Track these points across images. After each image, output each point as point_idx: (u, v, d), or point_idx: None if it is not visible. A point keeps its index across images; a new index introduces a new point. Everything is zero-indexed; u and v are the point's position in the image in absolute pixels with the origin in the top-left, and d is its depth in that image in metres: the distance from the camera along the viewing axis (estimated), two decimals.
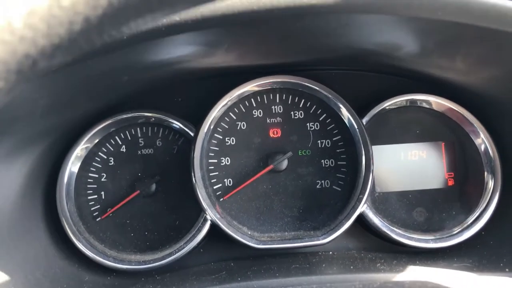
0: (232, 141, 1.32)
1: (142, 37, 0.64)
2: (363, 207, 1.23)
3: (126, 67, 0.89)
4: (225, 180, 1.31)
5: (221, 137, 1.31)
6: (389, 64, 1.20)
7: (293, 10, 0.66)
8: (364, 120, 1.28)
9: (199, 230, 1.22)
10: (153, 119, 1.28)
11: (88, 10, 0.34)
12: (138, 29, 0.41)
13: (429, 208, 1.32)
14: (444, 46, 0.94)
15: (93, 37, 0.37)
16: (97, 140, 1.27)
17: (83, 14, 0.35)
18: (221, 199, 1.29)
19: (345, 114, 1.27)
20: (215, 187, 1.30)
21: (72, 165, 1.24)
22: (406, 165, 1.35)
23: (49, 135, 1.13)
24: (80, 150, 1.24)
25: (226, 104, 1.27)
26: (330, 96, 1.27)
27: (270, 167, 1.28)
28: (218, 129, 1.31)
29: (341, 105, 1.27)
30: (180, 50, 0.87)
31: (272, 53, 1.08)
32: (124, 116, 1.25)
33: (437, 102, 1.30)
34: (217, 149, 1.31)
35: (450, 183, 1.34)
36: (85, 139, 1.24)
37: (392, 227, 1.24)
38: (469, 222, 1.26)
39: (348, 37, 0.93)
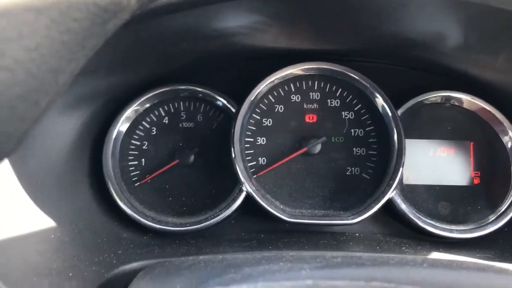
0: (269, 122, 1.38)
1: None
2: (392, 193, 1.28)
3: (189, 32, 0.96)
4: (259, 158, 1.37)
5: (258, 118, 1.38)
6: (428, 59, 1.26)
7: None
8: (399, 112, 1.34)
9: (234, 200, 1.28)
10: (201, 94, 1.36)
11: None
12: None
13: (454, 203, 1.36)
14: (489, 39, 1.00)
15: None
16: (147, 105, 1.35)
17: None
18: (255, 176, 1.35)
19: (381, 104, 1.33)
20: (249, 164, 1.36)
21: (121, 125, 1.32)
22: (434, 160, 1.40)
23: (103, 96, 1.20)
24: (130, 112, 1.32)
25: (268, 85, 1.33)
26: (368, 85, 1.33)
27: (304, 149, 1.34)
28: (257, 110, 1.37)
29: (378, 95, 1.32)
30: (242, 19, 0.93)
31: (322, 36, 1.14)
32: (177, 87, 1.33)
33: (469, 100, 1.35)
34: (254, 128, 1.37)
35: (476, 181, 1.39)
36: (137, 102, 1.32)
37: (418, 215, 1.29)
38: (493, 218, 1.31)
39: (399, 21, 0.99)
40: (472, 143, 1.39)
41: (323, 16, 0.97)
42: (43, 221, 1.10)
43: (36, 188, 1.09)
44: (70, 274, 1.02)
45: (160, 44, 1.00)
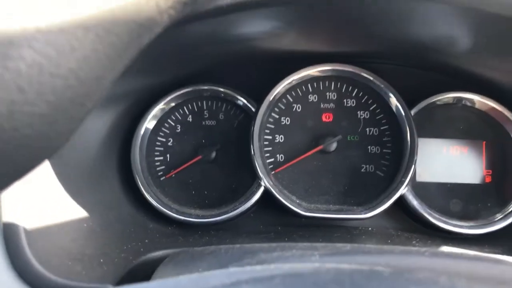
0: (287, 121, 1.45)
1: (243, 5, 0.79)
2: (404, 189, 1.33)
3: (210, 37, 1.04)
4: (278, 155, 1.44)
5: (277, 117, 1.45)
6: (440, 61, 1.31)
7: None
8: (412, 112, 1.39)
9: (253, 194, 1.36)
10: (223, 94, 1.44)
11: None
12: None
13: (465, 200, 1.41)
14: (497, 43, 1.04)
15: None
16: (172, 104, 1.43)
17: None
18: (273, 172, 1.42)
19: (395, 104, 1.38)
20: (268, 161, 1.43)
21: (148, 123, 1.42)
22: (447, 159, 1.44)
23: (131, 97, 1.29)
24: (157, 110, 1.42)
25: (285, 86, 1.40)
26: (382, 86, 1.38)
27: (320, 147, 1.41)
28: (275, 109, 1.44)
29: (392, 95, 1.38)
30: (261, 26, 1.01)
31: (338, 41, 1.21)
32: (200, 87, 1.41)
33: (480, 101, 1.40)
34: (273, 127, 1.44)
35: (488, 179, 1.43)
36: (163, 102, 1.41)
37: (429, 211, 1.35)
38: (503, 215, 1.35)
39: (410, 27, 1.05)
40: (484, 142, 1.44)
41: (338, 23, 1.03)
42: (76, 212, 1.19)
43: (71, 181, 1.19)
44: (101, 260, 1.10)
45: (184, 49, 1.08)
